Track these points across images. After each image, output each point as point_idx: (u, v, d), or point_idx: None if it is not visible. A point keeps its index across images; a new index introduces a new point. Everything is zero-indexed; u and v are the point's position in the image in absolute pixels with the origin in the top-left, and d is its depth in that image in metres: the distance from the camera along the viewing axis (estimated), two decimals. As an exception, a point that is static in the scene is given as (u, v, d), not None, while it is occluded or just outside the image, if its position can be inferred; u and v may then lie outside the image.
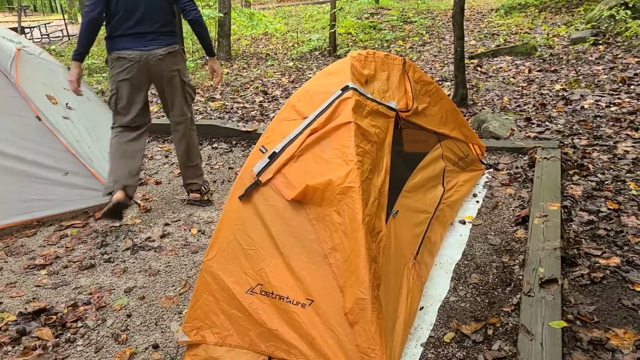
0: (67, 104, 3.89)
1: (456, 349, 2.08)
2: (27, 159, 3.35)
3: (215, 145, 4.97)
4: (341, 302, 1.84)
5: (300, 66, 8.45)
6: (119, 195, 3.17)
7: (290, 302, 1.91)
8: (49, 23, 17.53)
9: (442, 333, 2.18)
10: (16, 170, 3.31)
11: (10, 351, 2.24)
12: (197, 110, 6.11)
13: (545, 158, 3.66)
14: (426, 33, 9.84)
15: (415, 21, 10.90)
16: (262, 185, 2.08)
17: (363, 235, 1.86)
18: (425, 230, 2.63)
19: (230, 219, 2.12)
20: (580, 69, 6.15)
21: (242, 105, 6.29)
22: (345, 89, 2.23)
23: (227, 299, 2.02)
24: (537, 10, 10.33)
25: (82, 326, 2.39)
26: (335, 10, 9.06)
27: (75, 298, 2.62)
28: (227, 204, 2.17)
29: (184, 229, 3.31)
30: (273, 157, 2.11)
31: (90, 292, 2.67)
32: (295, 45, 10.38)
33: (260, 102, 6.37)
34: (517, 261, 2.64)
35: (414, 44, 9.03)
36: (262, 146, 2.22)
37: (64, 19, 17.11)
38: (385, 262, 2.05)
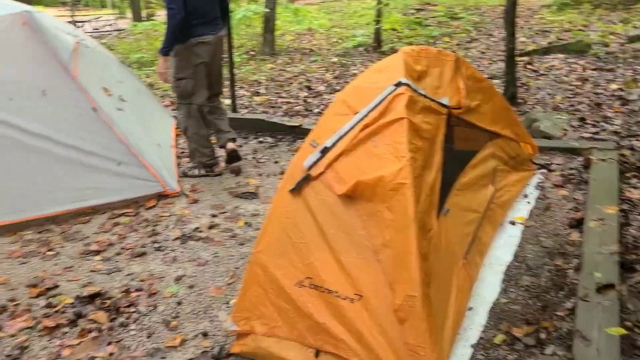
0: (120, 96, 4.01)
1: (507, 352, 2.04)
2: (83, 148, 3.46)
3: (260, 139, 5.01)
4: (390, 298, 1.82)
5: (344, 62, 8.41)
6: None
7: (339, 296, 1.91)
8: (98, 18, 18.10)
9: (492, 335, 2.13)
10: (72, 159, 3.44)
11: (67, 332, 2.34)
12: (242, 104, 6.17)
13: (601, 160, 3.52)
14: (474, 29, 9.63)
15: (463, 17, 10.67)
16: (312, 179, 2.09)
17: (414, 232, 1.84)
18: (476, 230, 2.58)
19: (280, 212, 2.13)
20: (638, 68, 5.88)
21: (286, 100, 6.33)
22: (398, 84, 2.21)
23: (275, 291, 2.03)
24: (591, 7, 9.94)
25: (134, 311, 2.47)
26: (381, 5, 8.97)
27: (128, 284, 2.70)
28: (276, 197, 2.19)
29: (231, 221, 3.36)
30: (324, 151, 2.11)
31: (142, 279, 2.75)
32: (339, 41, 10.34)
33: (305, 97, 6.39)
34: (571, 265, 2.55)
35: (460, 41, 8.85)
36: (313, 140, 2.23)
37: (115, 14, 17.66)
38: (436, 260, 2.02)
